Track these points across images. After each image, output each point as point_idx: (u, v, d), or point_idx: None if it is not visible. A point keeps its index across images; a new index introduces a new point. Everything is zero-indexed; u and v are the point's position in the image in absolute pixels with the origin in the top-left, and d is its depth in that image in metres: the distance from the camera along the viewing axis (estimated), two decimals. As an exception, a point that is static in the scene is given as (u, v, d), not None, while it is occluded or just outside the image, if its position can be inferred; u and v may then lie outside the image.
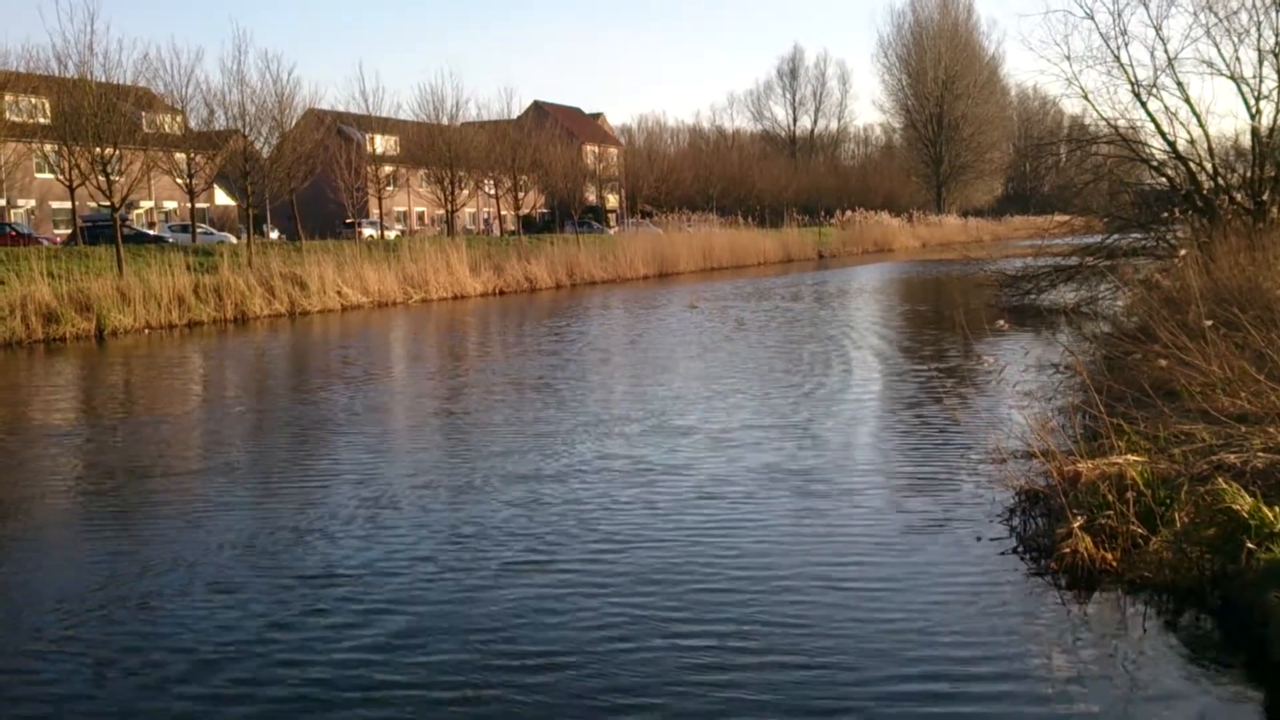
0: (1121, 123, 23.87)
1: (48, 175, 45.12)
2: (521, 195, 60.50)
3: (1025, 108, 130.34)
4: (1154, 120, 23.06)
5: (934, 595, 7.15)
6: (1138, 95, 23.07)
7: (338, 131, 59.08)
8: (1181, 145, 22.85)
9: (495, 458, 11.52)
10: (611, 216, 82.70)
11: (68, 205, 44.94)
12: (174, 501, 10.43)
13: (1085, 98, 24.10)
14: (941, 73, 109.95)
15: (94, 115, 35.47)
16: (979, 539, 8.23)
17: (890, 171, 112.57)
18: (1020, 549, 7.97)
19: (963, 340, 20.58)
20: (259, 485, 11.11)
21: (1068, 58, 25.58)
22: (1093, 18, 23.64)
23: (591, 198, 75.17)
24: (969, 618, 6.78)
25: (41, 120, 41.99)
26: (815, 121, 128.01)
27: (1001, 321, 13.90)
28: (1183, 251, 15.15)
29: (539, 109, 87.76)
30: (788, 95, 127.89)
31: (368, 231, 56.56)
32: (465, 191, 57.81)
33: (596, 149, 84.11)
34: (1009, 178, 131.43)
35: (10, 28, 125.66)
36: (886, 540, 8.36)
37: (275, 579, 7.87)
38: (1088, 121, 31.16)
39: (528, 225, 67.18)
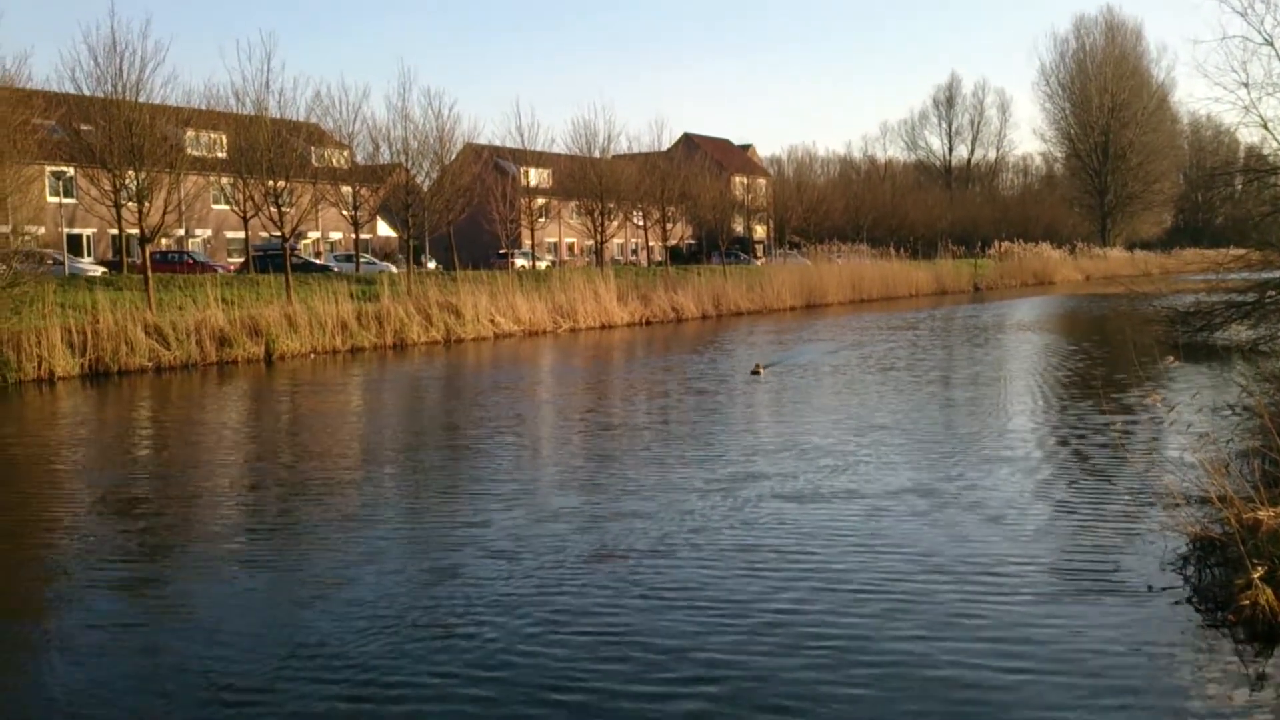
0: (1304, 152, 22.50)
1: (224, 206, 48.00)
2: (669, 226, 61.00)
3: (1197, 136, 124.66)
4: (1340, 149, 21.66)
5: (1103, 647, 6.78)
6: (1322, 122, 21.71)
7: (494, 165, 60.85)
8: (1370, 174, 21.36)
9: (636, 522, 10.21)
10: (759, 247, 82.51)
11: (241, 235, 47.61)
12: (330, 538, 10.68)
13: (1264, 126, 22.83)
14: (1108, 100, 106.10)
15: (268, 150, 37.53)
16: (1150, 588, 7.79)
17: (1051, 202, 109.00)
18: (1195, 600, 7.51)
19: (1130, 378, 19.62)
20: (404, 537, 11.11)
21: (1245, 85, 24.33)
22: (1272, 44, 22.39)
23: (739, 228, 75.20)
24: (1139, 671, 6.42)
25: (219, 155, 44.60)
26: (972, 151, 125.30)
27: (1171, 358, 13.17)
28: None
29: (689, 141, 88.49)
30: (944, 124, 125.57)
31: (520, 262, 57.92)
32: (614, 223, 58.64)
33: (745, 180, 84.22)
34: (1179, 209, 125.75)
35: (194, 67, 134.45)
36: (1054, 588, 7.99)
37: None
38: (1266, 151, 29.54)
39: (675, 256, 67.63)
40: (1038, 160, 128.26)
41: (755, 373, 23.11)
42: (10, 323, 25.14)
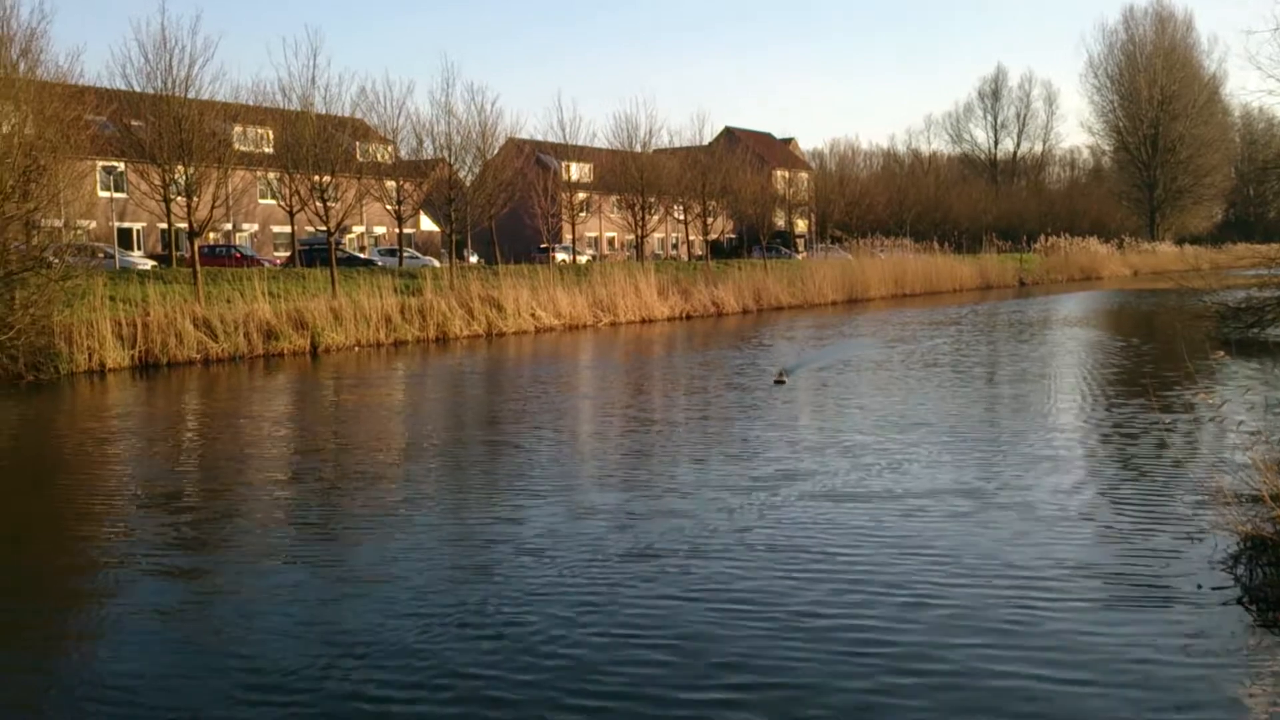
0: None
1: (270, 201, 48.50)
2: (710, 220, 60.81)
3: (1250, 129, 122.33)
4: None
5: (1153, 647, 6.70)
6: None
7: (536, 160, 61.01)
8: None
9: (676, 520, 9.99)
10: (800, 241, 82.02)
11: (287, 229, 48.10)
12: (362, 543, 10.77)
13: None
14: (1157, 93, 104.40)
15: (314, 145, 37.87)
16: (1199, 587, 7.67)
17: (1099, 195, 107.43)
18: (1246, 599, 7.38)
19: (1180, 374, 19.31)
20: (436, 549, 11.23)
21: (1301, 76, 23.85)
22: (1329, 33, 21.94)
23: (780, 223, 74.77)
24: (1190, 672, 6.32)
25: (266, 150, 45.10)
26: (1018, 144, 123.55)
27: (1221, 352, 12.96)
28: None
29: (730, 135, 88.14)
30: (989, 117, 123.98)
31: (560, 256, 58.04)
32: (655, 217, 58.60)
33: (786, 174, 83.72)
34: (1230, 203, 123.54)
35: (242, 63, 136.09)
36: (1103, 587, 7.88)
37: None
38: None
39: (715, 250, 67.43)
40: (1085, 153, 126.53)
41: (779, 381, 20.73)
42: (63, 315, 25.58)
